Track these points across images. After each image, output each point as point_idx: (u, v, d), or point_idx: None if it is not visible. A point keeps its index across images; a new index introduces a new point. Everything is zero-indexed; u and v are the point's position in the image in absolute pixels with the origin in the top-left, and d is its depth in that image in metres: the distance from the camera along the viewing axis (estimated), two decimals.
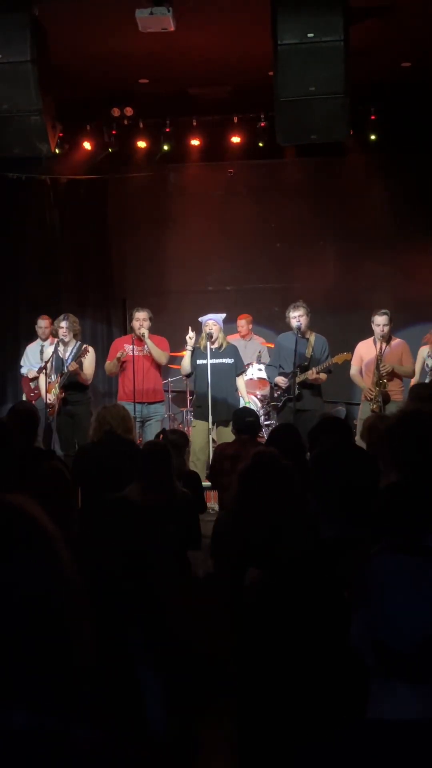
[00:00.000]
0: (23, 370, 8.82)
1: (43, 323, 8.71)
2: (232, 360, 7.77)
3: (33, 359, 8.68)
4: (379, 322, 7.49)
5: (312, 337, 7.65)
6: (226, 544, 2.96)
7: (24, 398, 8.69)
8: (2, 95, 6.50)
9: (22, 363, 8.85)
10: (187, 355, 7.75)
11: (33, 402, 8.41)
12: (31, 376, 8.61)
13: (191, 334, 7.69)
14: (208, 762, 2.13)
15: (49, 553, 1.14)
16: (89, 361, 7.90)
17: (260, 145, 9.58)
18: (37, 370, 8.47)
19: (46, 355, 8.11)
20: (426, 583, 1.28)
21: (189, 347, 7.70)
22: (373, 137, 9.45)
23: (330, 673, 2.00)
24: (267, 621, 2.18)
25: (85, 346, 7.92)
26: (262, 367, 8.85)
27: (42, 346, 8.63)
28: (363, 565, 1.35)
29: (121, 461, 4.22)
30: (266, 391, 8.87)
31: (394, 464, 2.92)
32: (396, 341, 7.65)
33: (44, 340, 8.69)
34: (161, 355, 7.91)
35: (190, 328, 7.77)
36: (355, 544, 1.88)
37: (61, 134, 8.20)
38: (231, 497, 3.32)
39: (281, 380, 7.60)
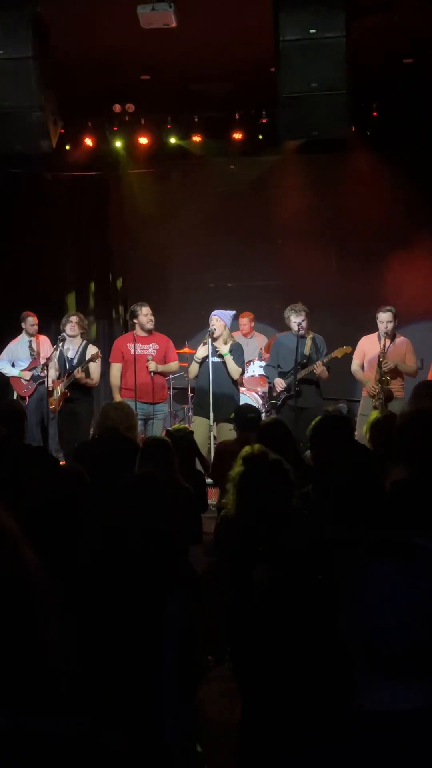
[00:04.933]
0: (1, 366, 8.72)
1: (33, 320, 8.70)
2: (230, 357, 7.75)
3: (22, 353, 8.66)
4: (383, 318, 7.48)
5: (310, 335, 7.64)
6: (229, 544, 2.96)
7: (15, 396, 8.62)
8: (4, 91, 6.51)
9: (2, 358, 8.74)
10: (194, 364, 7.77)
11: (27, 398, 8.39)
12: (25, 375, 8.56)
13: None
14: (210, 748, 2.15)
15: (8, 556, 1.15)
16: (95, 366, 7.87)
17: (260, 137, 9.56)
18: (30, 367, 8.48)
19: (47, 352, 8.10)
20: (411, 588, 1.33)
21: (197, 359, 7.70)
22: (374, 133, 9.44)
23: (325, 665, 2.01)
24: (277, 614, 2.18)
25: (94, 351, 7.87)
26: (263, 364, 8.85)
27: (30, 342, 8.63)
28: (354, 564, 1.39)
29: (121, 458, 4.22)
30: (267, 388, 8.87)
31: (403, 462, 2.92)
32: (400, 339, 7.63)
33: (31, 336, 8.69)
34: (174, 368, 8.02)
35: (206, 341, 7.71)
36: (358, 542, 1.88)
37: (62, 131, 8.18)
38: (230, 500, 3.32)
39: (279, 382, 7.60)
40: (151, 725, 2.05)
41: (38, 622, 1.14)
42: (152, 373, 7.67)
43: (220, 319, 7.68)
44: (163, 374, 7.89)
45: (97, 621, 2.01)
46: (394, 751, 1.29)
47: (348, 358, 7.69)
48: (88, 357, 7.81)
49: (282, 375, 7.64)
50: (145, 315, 7.83)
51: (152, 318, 7.84)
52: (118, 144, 9.97)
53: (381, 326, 7.49)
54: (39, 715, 1.11)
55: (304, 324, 7.46)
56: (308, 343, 7.56)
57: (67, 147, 9.82)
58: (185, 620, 2.16)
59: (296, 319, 7.48)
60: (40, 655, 1.13)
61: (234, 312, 8.07)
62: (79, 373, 7.67)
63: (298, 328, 7.42)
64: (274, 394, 7.84)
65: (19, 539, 1.17)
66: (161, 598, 2.16)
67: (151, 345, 7.82)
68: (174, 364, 8.00)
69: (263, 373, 8.83)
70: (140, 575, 2.22)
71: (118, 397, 7.72)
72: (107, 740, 1.12)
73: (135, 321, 7.88)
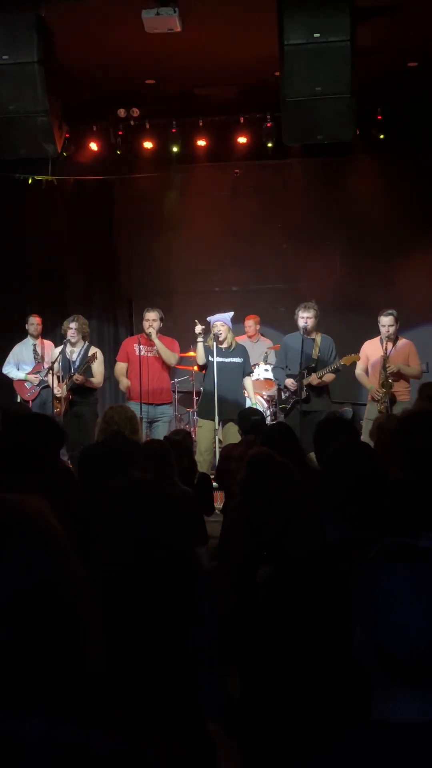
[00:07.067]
0: (8, 369, 8.72)
1: (34, 321, 8.71)
2: (242, 359, 7.75)
3: (27, 357, 8.65)
4: (385, 322, 7.47)
5: (318, 337, 7.64)
6: (233, 547, 2.96)
7: (18, 399, 8.61)
8: (9, 96, 6.52)
9: (8, 361, 8.74)
10: (200, 346, 7.73)
11: (30, 402, 8.38)
12: (33, 380, 8.55)
13: (199, 329, 7.67)
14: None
15: (52, 554, 1.14)
16: (98, 366, 7.86)
17: (269, 145, 9.53)
18: (34, 371, 8.48)
19: (53, 355, 8.10)
20: (425, 590, 1.29)
21: (200, 339, 7.68)
22: (379, 137, 9.44)
23: (335, 672, 2.00)
24: (279, 617, 2.18)
25: (92, 352, 7.90)
26: (269, 367, 8.84)
27: (34, 345, 8.63)
28: (362, 571, 1.36)
29: (125, 462, 4.21)
30: (273, 391, 8.86)
31: (403, 463, 2.91)
32: (402, 341, 7.62)
33: (35, 338, 8.69)
34: (171, 357, 7.90)
35: (196, 321, 7.75)
36: (363, 545, 1.88)
37: (67, 135, 8.20)
38: (234, 502, 3.31)
39: (291, 383, 7.57)
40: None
41: (82, 631, 1.13)
42: (150, 335, 7.66)
43: (224, 323, 7.70)
44: (162, 356, 7.81)
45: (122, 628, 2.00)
46: (410, 764, 1.25)
47: (354, 362, 7.69)
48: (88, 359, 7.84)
49: (291, 377, 7.63)
50: (145, 320, 7.83)
51: (153, 325, 7.75)
52: (123, 148, 9.97)
53: (383, 330, 7.49)
54: (75, 726, 1.09)
55: (309, 322, 7.46)
56: (316, 344, 7.56)
57: (67, 153, 9.80)
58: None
59: (303, 314, 7.49)
60: (82, 664, 1.11)
61: (232, 313, 8.08)
62: (78, 377, 7.67)
63: (304, 323, 7.42)
64: (284, 396, 7.81)
65: (69, 550, 1.17)
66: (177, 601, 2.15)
67: (155, 347, 7.82)
68: (174, 355, 7.95)
69: (269, 376, 8.82)
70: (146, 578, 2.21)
71: (125, 382, 7.75)
72: (148, 759, 1.09)
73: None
